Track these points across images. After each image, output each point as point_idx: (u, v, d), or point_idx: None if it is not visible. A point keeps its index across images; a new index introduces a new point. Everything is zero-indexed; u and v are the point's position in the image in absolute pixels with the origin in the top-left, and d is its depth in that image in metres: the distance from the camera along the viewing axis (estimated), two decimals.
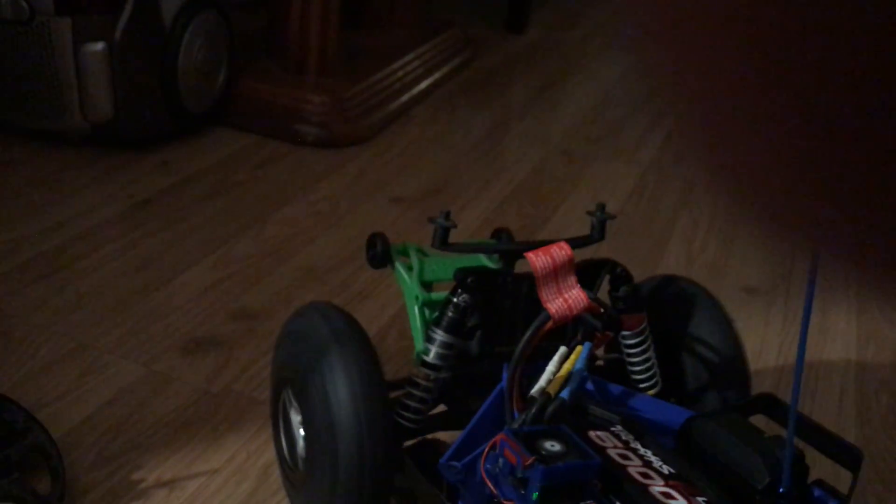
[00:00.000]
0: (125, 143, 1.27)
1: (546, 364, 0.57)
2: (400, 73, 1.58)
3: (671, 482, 0.51)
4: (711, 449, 0.55)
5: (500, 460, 0.51)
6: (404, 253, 0.72)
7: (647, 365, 0.66)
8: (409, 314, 0.68)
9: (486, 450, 0.52)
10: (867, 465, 0.81)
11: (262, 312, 0.95)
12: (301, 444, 0.64)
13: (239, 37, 1.40)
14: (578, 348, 0.57)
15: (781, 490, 0.52)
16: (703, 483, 0.51)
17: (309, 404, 0.61)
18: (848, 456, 0.58)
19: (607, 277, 0.66)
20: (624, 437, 0.55)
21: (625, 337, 0.66)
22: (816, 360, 0.96)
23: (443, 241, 0.64)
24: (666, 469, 0.52)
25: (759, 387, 0.89)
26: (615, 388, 0.61)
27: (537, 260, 0.59)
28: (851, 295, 1.08)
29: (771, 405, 0.64)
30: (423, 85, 1.63)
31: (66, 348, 0.86)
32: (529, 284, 0.62)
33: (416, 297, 0.67)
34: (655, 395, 0.66)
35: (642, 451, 0.54)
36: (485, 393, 0.59)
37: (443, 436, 0.67)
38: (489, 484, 0.52)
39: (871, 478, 0.80)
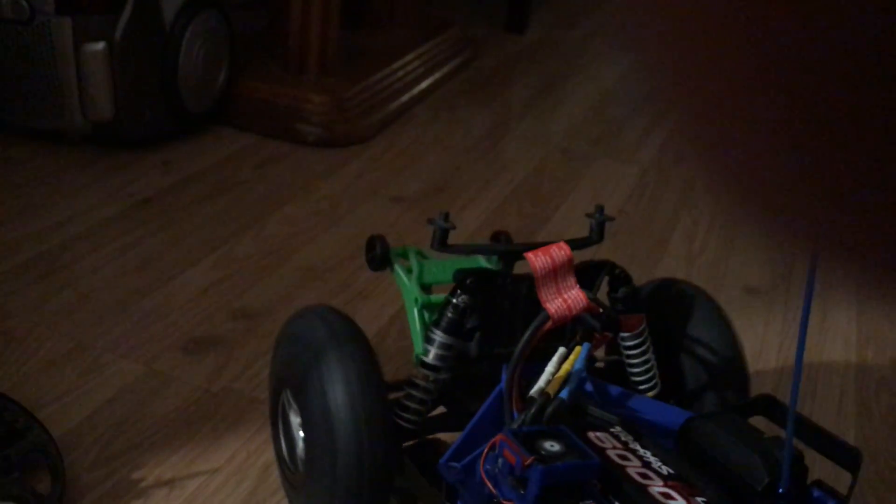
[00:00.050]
0: (125, 142, 1.27)
1: (545, 365, 0.57)
2: (400, 73, 1.58)
3: (670, 482, 0.51)
4: (710, 449, 0.55)
5: (500, 460, 0.51)
6: (404, 256, 0.72)
7: (647, 367, 0.66)
8: (408, 317, 0.68)
9: (486, 450, 0.52)
10: (867, 465, 0.81)
11: (262, 312, 0.95)
12: (301, 445, 0.64)
13: (239, 36, 1.40)
14: (577, 349, 0.57)
15: (781, 490, 0.52)
16: (703, 483, 0.51)
17: (308, 405, 0.61)
18: (847, 457, 0.58)
19: (606, 279, 0.66)
20: (623, 438, 0.55)
21: (624, 338, 0.66)
22: (816, 360, 0.96)
23: (442, 243, 0.64)
24: (665, 470, 0.52)
25: (759, 386, 0.89)
26: (614, 390, 0.61)
27: (536, 260, 0.59)
28: (852, 295, 1.08)
29: (770, 406, 0.64)
30: (424, 85, 1.63)
31: (66, 348, 0.86)
32: (528, 286, 0.62)
33: (416, 300, 0.67)
34: (655, 397, 0.66)
35: (641, 451, 0.54)
36: (484, 395, 0.59)
37: (442, 436, 0.67)
38: (489, 484, 0.52)
39: (872, 477, 0.80)
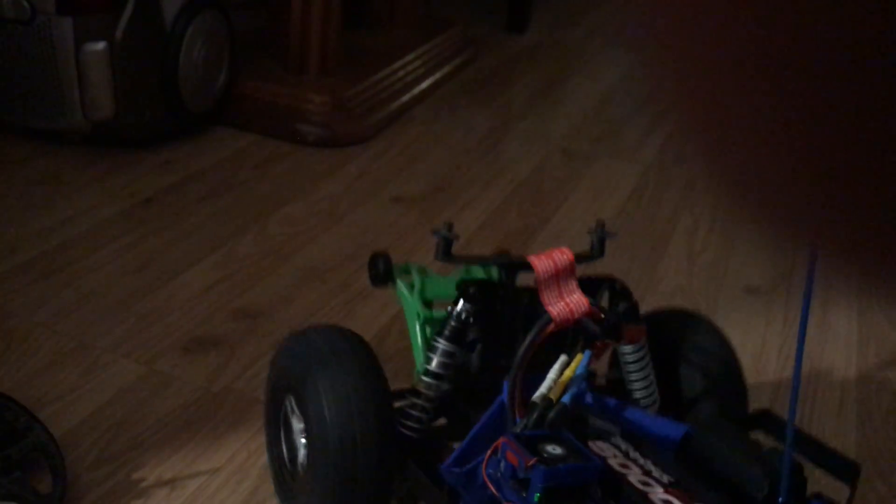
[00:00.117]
0: (126, 142, 1.27)
1: (546, 375, 0.58)
2: (401, 73, 1.58)
3: (671, 490, 0.51)
4: (711, 460, 0.56)
5: (502, 463, 0.51)
6: (406, 272, 0.73)
7: (647, 382, 0.67)
8: (409, 332, 0.68)
9: (488, 454, 0.53)
10: (868, 465, 0.81)
11: (262, 312, 0.95)
12: (303, 451, 0.64)
13: (240, 36, 1.40)
14: (579, 356, 0.58)
15: (781, 500, 0.52)
16: (703, 492, 0.52)
17: (313, 412, 0.61)
18: (845, 469, 0.58)
19: (607, 294, 0.66)
20: (623, 448, 0.55)
21: (625, 353, 0.66)
22: (817, 360, 0.96)
23: (446, 253, 0.65)
24: (665, 478, 0.52)
25: (760, 388, 0.89)
26: (614, 403, 0.62)
27: (539, 263, 0.59)
28: (852, 295, 1.08)
29: (768, 421, 0.65)
30: (424, 84, 1.63)
31: (66, 347, 0.86)
32: (530, 297, 0.63)
33: (418, 315, 0.67)
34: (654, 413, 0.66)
35: (642, 460, 0.54)
36: (485, 407, 0.59)
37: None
38: (491, 487, 0.52)
39: (873, 478, 0.80)
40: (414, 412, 0.64)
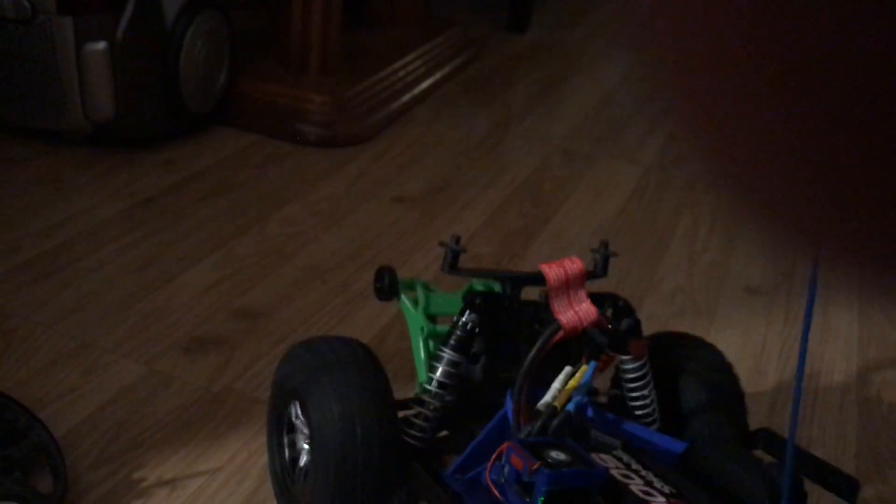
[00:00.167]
0: (126, 142, 1.27)
1: (550, 386, 0.59)
2: (401, 73, 1.58)
3: (672, 500, 0.51)
4: (711, 474, 0.56)
5: (506, 468, 0.51)
6: (410, 287, 0.73)
7: (648, 400, 0.67)
8: (413, 346, 0.69)
9: (492, 459, 0.53)
10: (869, 465, 0.81)
11: (263, 312, 0.95)
12: (306, 457, 0.65)
13: (240, 36, 1.40)
14: (583, 367, 0.59)
15: None
16: (704, 503, 0.52)
17: (316, 418, 0.61)
18: (845, 486, 0.59)
19: (610, 311, 0.67)
20: (625, 460, 0.56)
21: (626, 370, 0.66)
22: (818, 361, 0.96)
23: (452, 266, 0.65)
24: (667, 489, 0.53)
25: (761, 388, 0.90)
26: (615, 418, 0.62)
27: (551, 272, 0.60)
28: (853, 295, 1.08)
29: (768, 439, 0.65)
30: (425, 84, 1.63)
31: (67, 347, 0.86)
32: (534, 310, 0.64)
33: (422, 329, 0.68)
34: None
35: (643, 472, 0.54)
36: (488, 419, 0.60)
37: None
38: (495, 492, 0.52)
39: (873, 478, 0.80)
40: (417, 421, 0.64)
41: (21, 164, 1.22)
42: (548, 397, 0.58)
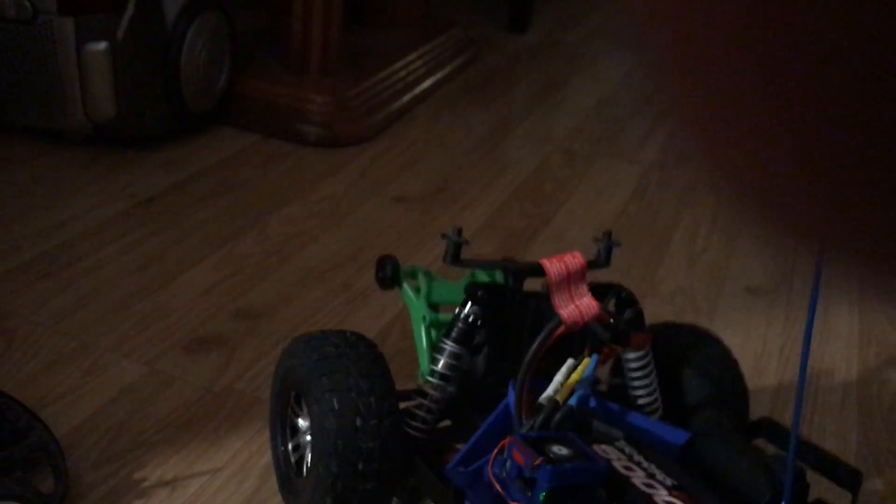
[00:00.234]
0: (127, 142, 1.27)
1: (552, 379, 0.59)
2: (402, 73, 1.58)
3: (674, 493, 0.51)
4: (713, 466, 0.56)
5: (508, 462, 0.51)
6: (412, 276, 0.73)
7: (650, 389, 0.67)
8: (415, 335, 0.69)
9: (494, 454, 0.53)
10: (869, 465, 0.81)
11: (264, 312, 0.95)
12: (308, 450, 0.65)
13: (241, 36, 1.40)
14: (585, 360, 0.59)
15: None
16: (706, 496, 0.52)
17: (318, 411, 0.61)
18: (847, 477, 0.59)
19: (613, 301, 0.67)
20: (627, 451, 0.56)
21: (629, 360, 0.66)
22: (818, 362, 0.96)
23: (455, 258, 0.65)
24: (669, 481, 0.53)
25: (761, 388, 0.89)
26: (617, 409, 0.62)
27: (551, 266, 0.60)
28: (853, 295, 1.08)
29: (771, 429, 0.65)
30: (426, 85, 1.63)
31: (68, 347, 0.86)
32: (537, 302, 0.64)
33: (424, 318, 0.68)
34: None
35: (646, 464, 0.54)
36: (490, 410, 0.60)
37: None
38: (497, 486, 0.52)
39: (874, 478, 0.80)
40: (419, 413, 0.64)
41: (22, 164, 1.22)
42: (550, 391, 0.58)
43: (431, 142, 1.45)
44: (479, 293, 0.63)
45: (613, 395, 0.69)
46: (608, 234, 0.70)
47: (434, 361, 0.64)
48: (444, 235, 0.66)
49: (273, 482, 0.72)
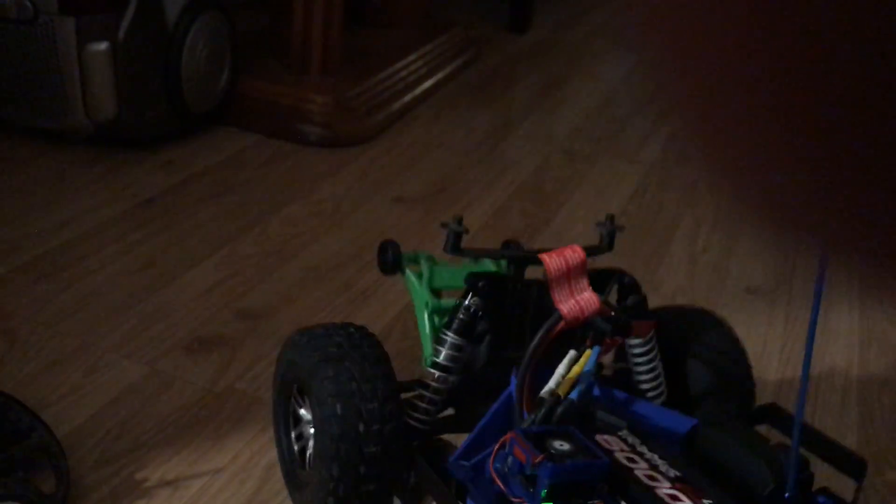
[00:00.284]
0: (128, 142, 1.27)
1: (555, 369, 0.58)
2: (403, 73, 1.58)
3: (677, 485, 0.51)
4: (717, 455, 0.56)
5: (510, 458, 0.51)
6: (415, 261, 0.73)
7: (654, 374, 0.67)
8: (418, 321, 0.69)
9: (496, 449, 0.53)
10: (870, 466, 0.81)
11: (265, 312, 0.95)
12: (311, 443, 0.65)
13: (242, 36, 1.40)
14: (587, 352, 0.58)
15: (786, 496, 0.52)
16: (709, 487, 0.52)
17: (320, 403, 0.61)
18: (852, 464, 0.58)
19: (616, 287, 0.66)
20: (630, 442, 0.55)
21: (632, 345, 0.66)
22: (819, 361, 0.96)
23: (455, 247, 0.65)
24: (672, 473, 0.52)
25: (762, 388, 0.89)
26: (621, 395, 0.62)
27: (551, 262, 0.60)
28: (854, 296, 1.08)
29: (775, 415, 0.64)
30: (426, 85, 1.63)
31: (69, 347, 0.86)
32: (539, 290, 0.63)
33: (426, 304, 0.68)
34: (661, 405, 0.66)
35: (648, 454, 0.54)
36: (493, 398, 0.60)
37: (450, 439, 0.67)
38: (498, 482, 0.52)
39: (874, 479, 0.80)
40: (421, 404, 0.64)
41: (23, 165, 1.22)
42: (551, 384, 0.57)
43: (432, 142, 1.45)
44: (481, 284, 0.63)
45: (617, 380, 0.69)
46: (611, 218, 0.69)
47: (436, 353, 0.63)
48: (444, 224, 0.65)
49: (275, 482, 0.73)
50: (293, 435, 0.69)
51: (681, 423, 0.59)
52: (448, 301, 0.67)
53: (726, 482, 0.54)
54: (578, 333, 0.62)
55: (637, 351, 0.66)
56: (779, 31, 0.13)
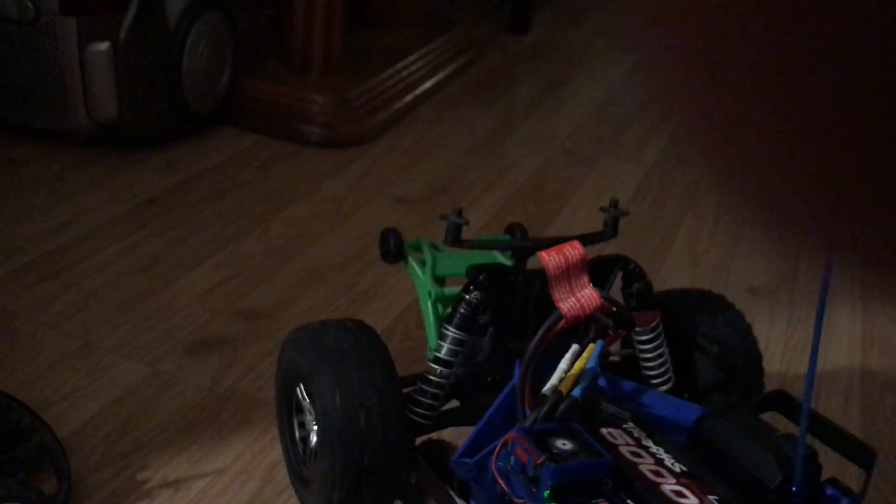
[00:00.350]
0: (130, 142, 1.27)
1: (558, 362, 0.57)
2: (404, 73, 1.58)
3: (683, 480, 0.51)
4: (724, 447, 0.55)
5: (512, 458, 0.51)
6: (417, 248, 0.72)
7: (660, 361, 0.66)
8: (422, 309, 0.68)
9: (498, 448, 0.52)
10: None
11: (266, 313, 0.95)
12: (314, 438, 0.65)
13: (243, 36, 1.40)
14: (591, 346, 0.57)
15: (794, 489, 0.52)
16: (715, 481, 0.51)
17: (323, 398, 0.61)
18: (861, 454, 0.58)
19: (620, 274, 0.66)
20: (636, 435, 0.55)
21: (638, 333, 0.66)
22: (821, 361, 0.96)
23: (455, 238, 0.64)
24: (678, 467, 0.52)
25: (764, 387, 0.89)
26: (627, 385, 0.61)
27: (550, 259, 0.59)
28: (856, 296, 1.08)
29: (783, 402, 0.64)
30: (428, 85, 1.63)
31: (71, 348, 0.86)
32: (541, 281, 0.62)
33: (430, 293, 0.67)
34: (668, 392, 0.66)
35: (654, 448, 0.54)
36: (496, 390, 0.59)
37: (450, 437, 0.67)
38: (500, 482, 0.52)
39: (875, 478, 0.80)
40: (424, 399, 0.63)
41: (24, 165, 1.22)
42: (554, 380, 0.56)
43: (433, 142, 1.45)
44: (482, 277, 0.62)
45: (624, 367, 0.68)
46: (615, 203, 0.69)
47: (438, 348, 0.63)
48: (443, 216, 0.65)
49: (277, 482, 0.73)
50: (297, 432, 0.69)
51: (687, 412, 0.59)
52: (452, 289, 0.66)
53: (733, 474, 0.53)
54: (581, 326, 0.61)
55: (642, 339, 0.66)
56: (782, 30, 0.13)
